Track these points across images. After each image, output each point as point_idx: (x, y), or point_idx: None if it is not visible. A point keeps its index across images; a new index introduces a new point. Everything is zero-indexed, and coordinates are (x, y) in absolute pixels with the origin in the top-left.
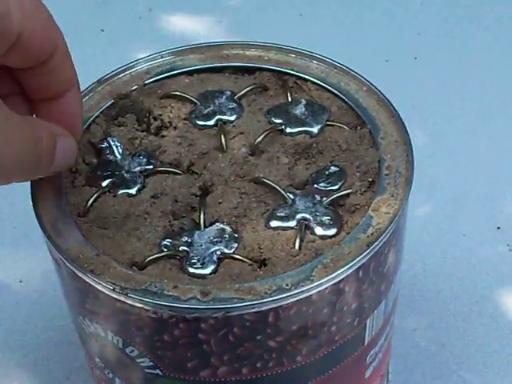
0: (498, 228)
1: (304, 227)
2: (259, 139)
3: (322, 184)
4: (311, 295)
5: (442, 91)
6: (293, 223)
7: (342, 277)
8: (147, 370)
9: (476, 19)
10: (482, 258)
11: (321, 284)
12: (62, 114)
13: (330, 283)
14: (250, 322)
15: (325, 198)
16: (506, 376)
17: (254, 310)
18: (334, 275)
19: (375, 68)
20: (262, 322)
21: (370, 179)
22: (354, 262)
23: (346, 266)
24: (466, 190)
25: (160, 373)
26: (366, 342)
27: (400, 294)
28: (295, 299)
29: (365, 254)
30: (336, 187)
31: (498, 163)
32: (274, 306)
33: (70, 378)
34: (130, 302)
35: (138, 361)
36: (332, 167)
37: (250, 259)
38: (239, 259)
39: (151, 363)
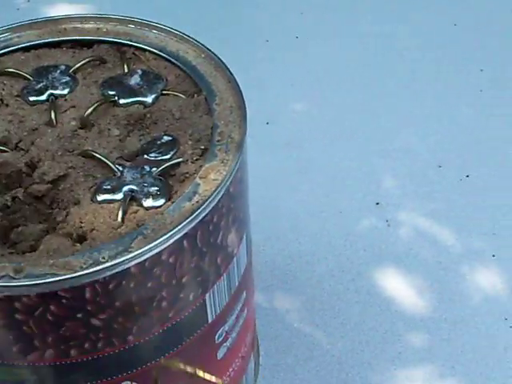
0: (377, 204)
1: (129, 199)
2: (89, 111)
3: (152, 154)
4: (129, 268)
5: (322, 68)
6: (119, 196)
7: (162, 247)
8: None
9: None
10: (359, 235)
11: (139, 255)
12: None
13: (149, 254)
14: (67, 299)
15: (155, 169)
16: (382, 354)
17: (68, 286)
18: (152, 245)
19: (255, 48)
20: (79, 299)
21: (203, 147)
22: (174, 231)
23: (166, 235)
24: (344, 166)
25: None
26: (209, 320)
27: (273, 274)
28: (112, 272)
29: (186, 222)
30: (167, 157)
31: (374, 136)
32: (90, 280)
33: None
34: None
35: None
36: (165, 137)
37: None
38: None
39: None
